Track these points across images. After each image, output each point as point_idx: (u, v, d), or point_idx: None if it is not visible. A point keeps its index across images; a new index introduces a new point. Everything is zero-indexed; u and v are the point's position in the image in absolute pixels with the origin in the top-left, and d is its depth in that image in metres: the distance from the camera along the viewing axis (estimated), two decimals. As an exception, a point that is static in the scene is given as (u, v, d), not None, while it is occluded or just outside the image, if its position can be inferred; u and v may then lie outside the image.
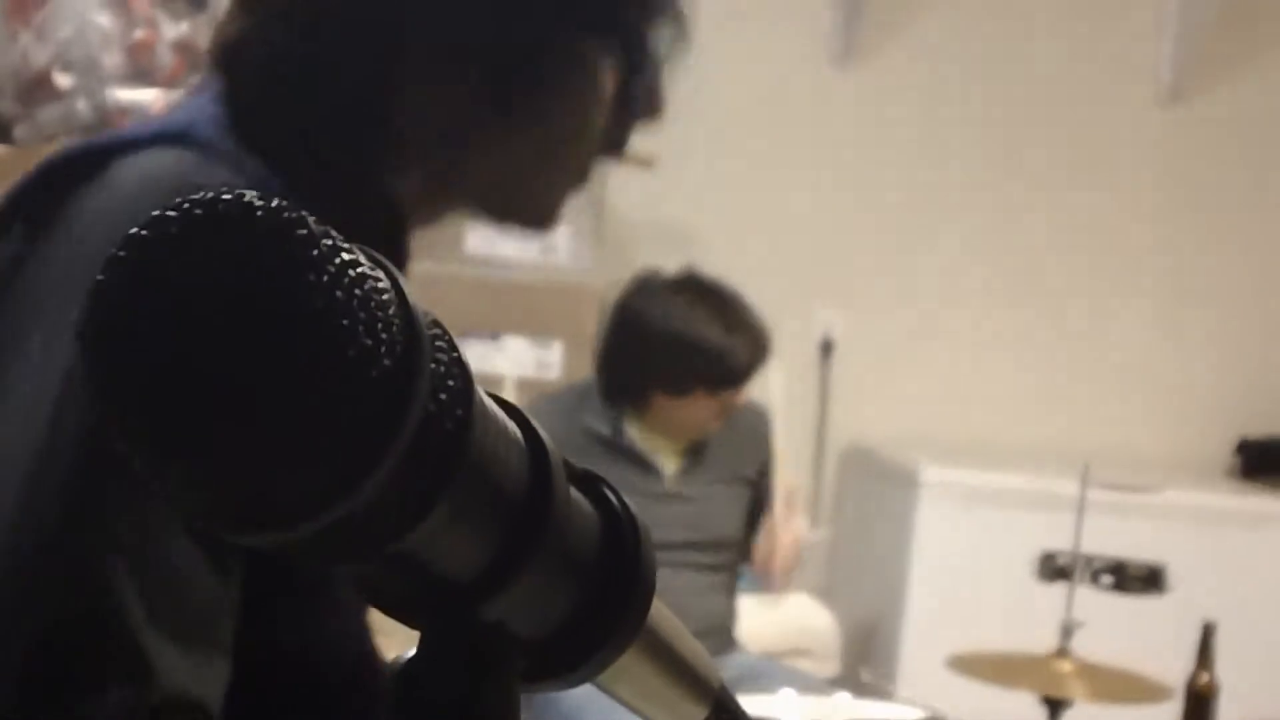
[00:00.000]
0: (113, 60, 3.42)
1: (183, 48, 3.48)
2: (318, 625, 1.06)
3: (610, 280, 3.85)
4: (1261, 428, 4.82)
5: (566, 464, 0.61)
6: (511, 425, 0.59)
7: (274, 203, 0.50)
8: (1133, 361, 4.81)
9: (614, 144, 1.17)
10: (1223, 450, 4.84)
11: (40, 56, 3.40)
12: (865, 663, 4.28)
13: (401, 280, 0.52)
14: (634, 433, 3.45)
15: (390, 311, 0.50)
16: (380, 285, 0.51)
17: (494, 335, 3.74)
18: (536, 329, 3.78)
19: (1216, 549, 4.14)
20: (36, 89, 3.42)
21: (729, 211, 4.50)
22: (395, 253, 1.12)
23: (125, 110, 3.44)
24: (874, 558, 4.47)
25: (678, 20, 1.17)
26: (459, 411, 0.53)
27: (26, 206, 1.02)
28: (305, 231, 0.50)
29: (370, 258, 0.51)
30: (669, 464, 3.48)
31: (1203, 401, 4.84)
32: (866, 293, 4.68)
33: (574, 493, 0.62)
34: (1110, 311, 4.80)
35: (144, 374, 0.50)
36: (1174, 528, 4.12)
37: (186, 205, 0.50)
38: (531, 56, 1.09)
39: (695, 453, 3.50)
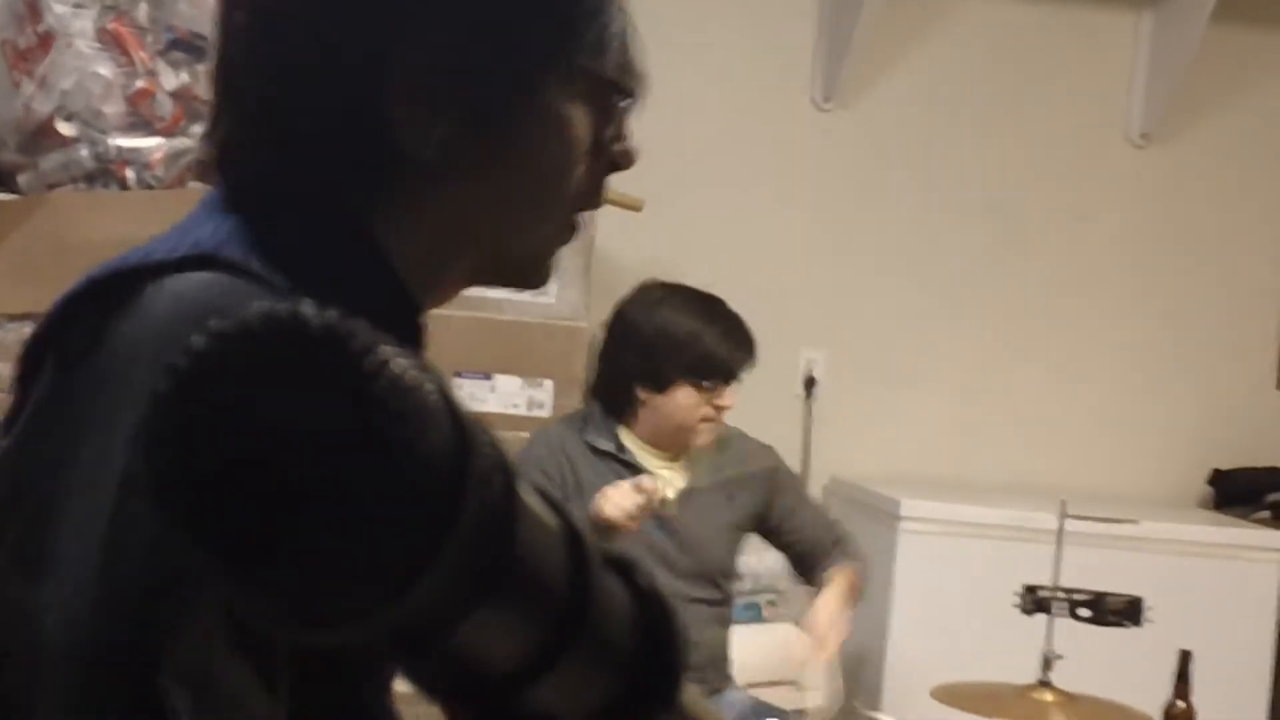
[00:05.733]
0: (114, 109, 3.48)
1: (182, 97, 3.54)
2: (352, 704, 1.05)
3: (599, 321, 3.93)
4: (1233, 459, 4.90)
5: (600, 549, 0.62)
6: (551, 518, 0.60)
7: (329, 315, 0.52)
8: (1108, 396, 4.89)
9: (589, 199, 1.17)
10: (1196, 482, 4.92)
11: (43, 106, 3.45)
12: (852, 693, 4.35)
13: (448, 386, 0.53)
14: (634, 449, 3.51)
15: (440, 419, 0.52)
16: (430, 392, 0.52)
17: (486, 375, 3.80)
18: (528, 369, 3.83)
19: (1192, 580, 4.20)
20: (40, 138, 3.47)
21: (715, 252, 4.58)
22: (417, 337, 1.13)
23: (126, 158, 3.50)
24: (858, 590, 4.52)
25: (638, 74, 1.17)
26: (505, 512, 0.55)
27: (57, 338, 1.00)
28: (358, 343, 0.52)
29: (420, 365, 0.53)
30: (670, 487, 3.53)
31: (1176, 434, 4.92)
32: (849, 331, 4.75)
33: (609, 578, 0.63)
34: (1086, 348, 4.88)
35: (205, 484, 0.51)
36: (1150, 560, 4.18)
37: (242, 319, 0.52)
38: (497, 103, 1.09)
39: (693, 478, 3.52)
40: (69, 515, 0.93)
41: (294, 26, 1.09)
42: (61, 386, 0.97)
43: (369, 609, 0.52)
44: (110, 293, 0.99)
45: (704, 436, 3.48)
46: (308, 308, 0.52)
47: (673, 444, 3.49)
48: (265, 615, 0.53)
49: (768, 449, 3.68)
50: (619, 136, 1.17)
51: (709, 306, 3.49)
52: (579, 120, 1.13)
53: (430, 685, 0.60)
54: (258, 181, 1.09)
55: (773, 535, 3.61)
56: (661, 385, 3.42)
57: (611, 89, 1.15)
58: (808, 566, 3.57)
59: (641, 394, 3.44)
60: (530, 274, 1.19)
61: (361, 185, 1.09)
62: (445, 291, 1.18)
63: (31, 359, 1.01)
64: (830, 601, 3.42)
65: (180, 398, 0.53)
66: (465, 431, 0.53)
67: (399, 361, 0.52)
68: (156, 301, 0.97)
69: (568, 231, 1.18)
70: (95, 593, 0.90)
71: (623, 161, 1.17)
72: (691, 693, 0.68)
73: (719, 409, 3.45)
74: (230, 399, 0.52)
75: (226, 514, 0.51)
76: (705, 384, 3.41)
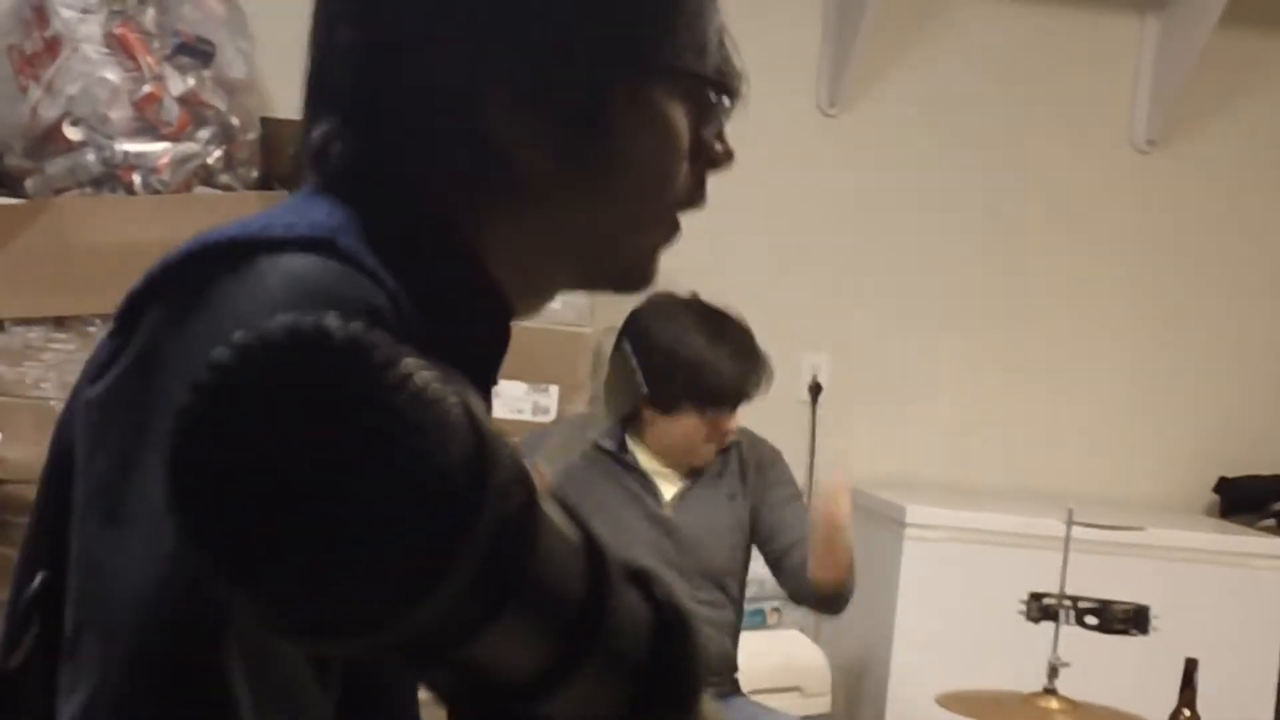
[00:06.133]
0: (121, 114, 3.48)
1: (189, 102, 3.55)
2: (381, 708, 1.05)
3: (603, 327, 3.93)
4: (1239, 467, 4.90)
5: (620, 560, 0.62)
6: (571, 530, 0.60)
7: (351, 326, 0.52)
8: (1113, 404, 4.89)
9: (692, 197, 1.17)
10: (1202, 490, 4.92)
11: (50, 111, 3.46)
12: (856, 700, 4.35)
13: (473, 399, 0.53)
14: (637, 452, 3.50)
15: (461, 430, 0.52)
16: (452, 403, 0.52)
17: (492, 381, 3.80)
18: (533, 374, 3.83)
19: (1198, 588, 4.20)
20: (46, 143, 3.48)
21: (719, 257, 4.56)
22: (502, 343, 1.13)
23: (133, 163, 3.51)
24: (862, 596, 4.51)
25: (735, 71, 1.18)
26: (525, 524, 0.55)
27: (166, 288, 1.00)
28: (381, 355, 0.52)
29: (443, 376, 0.53)
30: (668, 488, 3.53)
31: (1182, 442, 4.91)
32: (853, 337, 4.75)
33: (627, 590, 0.63)
34: (1091, 354, 4.88)
35: (225, 495, 0.52)
36: (1156, 567, 4.17)
37: (268, 330, 0.53)
38: (599, 105, 1.08)
39: (693, 480, 3.53)
40: (155, 473, 0.91)
41: (395, 41, 1.08)
42: (160, 342, 0.97)
43: (385, 620, 0.52)
44: (224, 258, 0.98)
45: (706, 457, 3.50)
46: (332, 320, 0.52)
47: (676, 461, 3.52)
48: (282, 624, 0.53)
49: (773, 448, 3.65)
50: (719, 135, 1.17)
51: (719, 328, 3.44)
52: (680, 120, 1.13)
53: (445, 694, 0.60)
54: (358, 184, 1.08)
55: (761, 535, 3.54)
56: (666, 408, 3.41)
57: (712, 88, 1.16)
58: (796, 568, 3.42)
59: (646, 413, 3.44)
60: (633, 276, 1.18)
61: (465, 194, 1.09)
62: (546, 295, 1.18)
63: (133, 309, 1.01)
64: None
65: (203, 410, 0.53)
66: (486, 444, 0.53)
67: (422, 374, 0.52)
68: (270, 276, 0.97)
69: (671, 232, 1.17)
70: (169, 551, 0.90)
71: (722, 161, 1.18)
72: (708, 703, 0.68)
73: (723, 432, 3.45)
74: (253, 411, 0.52)
75: (245, 525, 0.51)
76: (710, 411, 3.41)
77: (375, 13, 1.10)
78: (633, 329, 3.49)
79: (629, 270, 1.17)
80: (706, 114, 1.16)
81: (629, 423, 3.49)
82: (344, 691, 0.97)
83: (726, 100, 1.17)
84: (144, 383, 0.97)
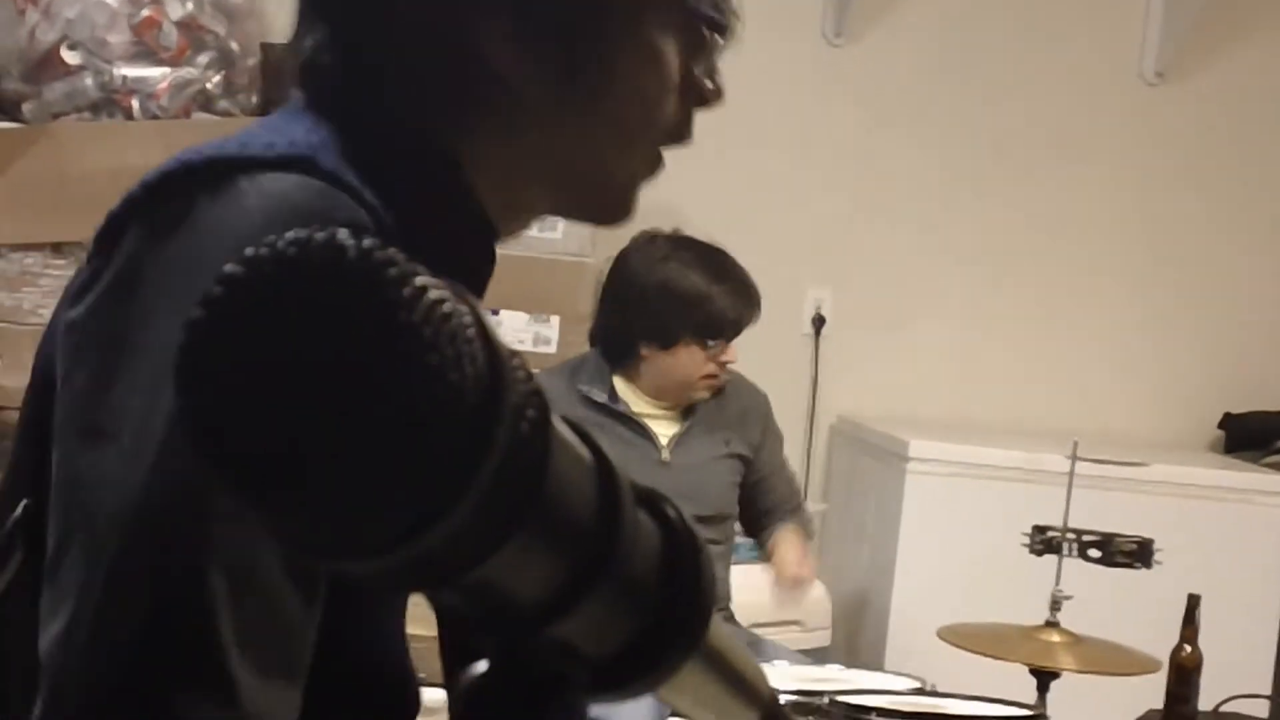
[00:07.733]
0: (119, 38, 3.46)
1: (188, 27, 3.52)
2: (365, 630, 1.05)
3: (605, 258, 3.91)
4: (1244, 403, 4.88)
5: (631, 483, 0.61)
6: (583, 450, 0.59)
7: (365, 242, 0.51)
8: (1118, 339, 4.87)
9: (678, 132, 1.18)
10: (1207, 425, 4.90)
11: (48, 35, 3.43)
12: (857, 634, 4.35)
13: (484, 315, 0.53)
14: (629, 399, 3.51)
15: (475, 347, 0.51)
16: (466, 321, 0.51)
17: (493, 311, 3.80)
18: (535, 305, 3.84)
19: (1201, 523, 4.19)
20: (44, 67, 3.45)
21: (722, 190, 4.54)
22: (488, 265, 1.14)
23: (132, 88, 3.48)
24: (864, 531, 4.52)
25: (731, 10, 1.19)
26: (538, 443, 0.54)
27: (145, 209, 1.00)
28: (395, 271, 0.51)
29: (456, 293, 0.52)
30: (663, 433, 3.54)
31: (1187, 377, 4.90)
32: (856, 270, 4.73)
33: (638, 512, 0.62)
34: (1096, 289, 4.85)
35: (237, 410, 0.51)
36: (1160, 503, 4.17)
37: (280, 244, 0.52)
38: (597, 33, 1.10)
39: (688, 424, 3.54)
40: (135, 388, 0.94)
41: None
42: (140, 262, 0.98)
43: (398, 541, 0.51)
44: (203, 179, 0.99)
45: (706, 392, 3.52)
46: (344, 234, 0.52)
47: (675, 398, 3.54)
48: (294, 544, 0.52)
49: (763, 395, 3.70)
50: (709, 71, 1.17)
51: (716, 263, 3.50)
52: (672, 53, 1.14)
53: (453, 615, 0.60)
54: (346, 98, 1.08)
55: (745, 484, 3.64)
56: (667, 343, 3.44)
57: (705, 23, 1.16)
58: (761, 524, 3.65)
59: (645, 350, 3.46)
60: (614, 207, 1.19)
61: (453, 112, 1.09)
62: (526, 219, 1.19)
63: (113, 231, 1.01)
64: (794, 544, 3.58)
65: (214, 324, 0.52)
66: (499, 362, 0.52)
67: (435, 290, 0.51)
68: (249, 196, 0.98)
69: (654, 165, 1.19)
70: (151, 467, 0.91)
71: (711, 97, 1.18)
72: (718, 626, 0.67)
73: (722, 365, 3.48)
74: (263, 325, 0.51)
75: (257, 441, 0.51)
76: (711, 343, 3.43)
77: None
78: (626, 268, 3.52)
79: (610, 200, 1.19)
80: (699, 50, 1.16)
81: (619, 368, 3.50)
82: (330, 612, 0.98)
83: (719, 39, 1.18)
84: (123, 302, 0.98)
